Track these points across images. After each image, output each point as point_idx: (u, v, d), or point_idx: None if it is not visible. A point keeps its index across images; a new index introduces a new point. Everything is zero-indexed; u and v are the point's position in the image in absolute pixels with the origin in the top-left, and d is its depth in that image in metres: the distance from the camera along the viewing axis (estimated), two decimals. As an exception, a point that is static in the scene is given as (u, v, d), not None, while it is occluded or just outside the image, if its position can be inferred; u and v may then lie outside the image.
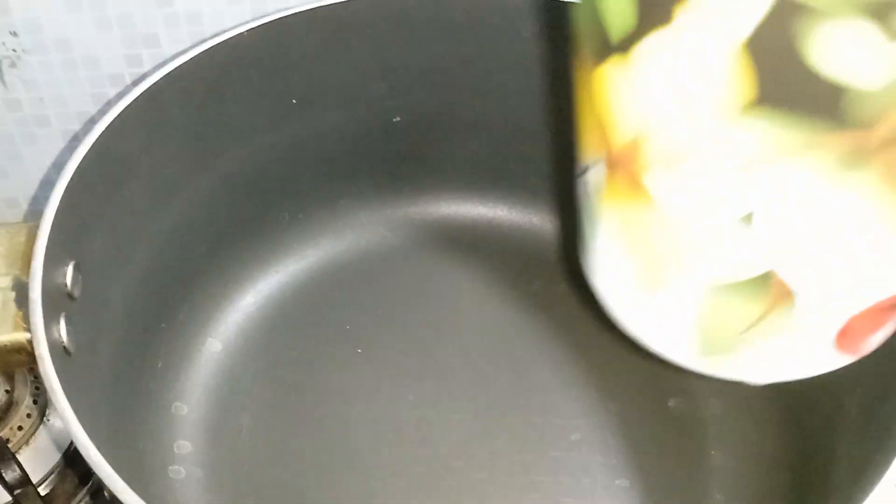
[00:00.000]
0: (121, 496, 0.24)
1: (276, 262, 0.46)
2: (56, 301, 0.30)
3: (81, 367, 0.31)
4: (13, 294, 0.30)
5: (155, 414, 0.39)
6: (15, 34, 0.44)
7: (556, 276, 0.47)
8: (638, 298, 0.26)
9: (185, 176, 0.40)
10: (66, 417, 0.26)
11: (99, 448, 0.26)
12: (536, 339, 0.45)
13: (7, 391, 0.45)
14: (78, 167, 0.33)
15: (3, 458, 0.37)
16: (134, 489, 0.25)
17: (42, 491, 0.42)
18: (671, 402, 0.43)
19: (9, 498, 0.38)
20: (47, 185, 0.51)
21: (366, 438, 0.41)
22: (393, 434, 0.41)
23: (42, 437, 0.44)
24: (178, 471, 0.39)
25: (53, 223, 0.31)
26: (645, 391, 0.43)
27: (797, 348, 0.26)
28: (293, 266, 0.46)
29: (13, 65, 0.45)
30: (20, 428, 0.44)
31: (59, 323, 0.30)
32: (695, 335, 0.26)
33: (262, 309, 0.45)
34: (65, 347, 0.30)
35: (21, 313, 0.29)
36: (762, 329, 0.24)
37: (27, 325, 0.28)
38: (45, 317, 0.28)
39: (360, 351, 0.44)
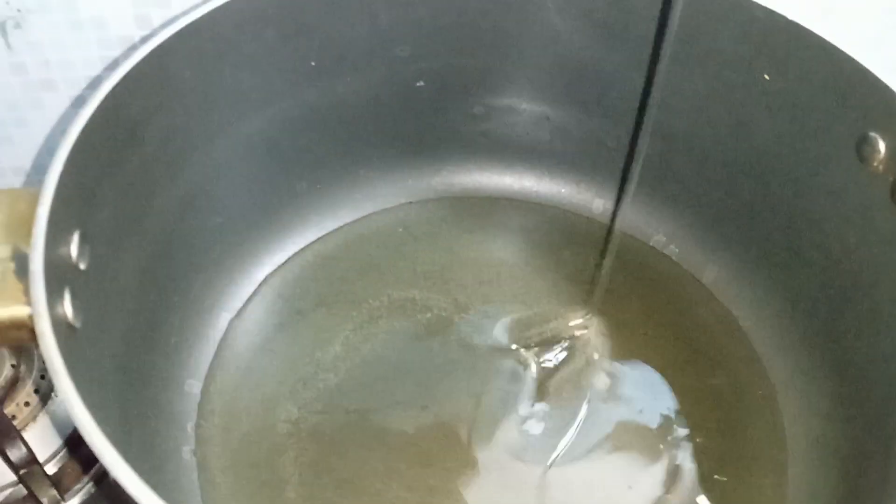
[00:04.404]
0: (125, 485, 0.22)
1: (294, 234, 0.44)
2: (60, 273, 0.28)
3: (88, 344, 0.29)
4: (13, 265, 0.28)
5: (167, 392, 0.38)
6: (17, -8, 0.42)
7: (587, 249, 0.45)
8: None
9: (197, 142, 0.38)
10: (69, 399, 0.24)
11: (106, 433, 0.24)
12: (565, 315, 0.43)
13: (13, 366, 0.43)
14: (83, 130, 0.30)
15: (8, 435, 0.36)
16: (145, 472, 0.23)
17: (49, 470, 0.40)
18: (713, 381, 0.41)
19: (14, 477, 0.37)
20: (56, 152, 0.49)
21: (387, 413, 0.39)
22: (414, 403, 0.39)
23: (50, 414, 0.42)
24: (192, 451, 0.37)
25: (56, 189, 0.28)
26: (685, 369, 0.41)
27: None
28: (311, 238, 0.45)
29: (17, 25, 0.43)
30: (27, 404, 0.42)
31: (63, 296, 0.28)
32: None
33: (279, 282, 0.43)
34: (69, 323, 0.28)
35: (22, 286, 0.27)
36: None
37: (28, 299, 0.26)
38: (47, 290, 0.26)
39: (381, 328, 0.42)
